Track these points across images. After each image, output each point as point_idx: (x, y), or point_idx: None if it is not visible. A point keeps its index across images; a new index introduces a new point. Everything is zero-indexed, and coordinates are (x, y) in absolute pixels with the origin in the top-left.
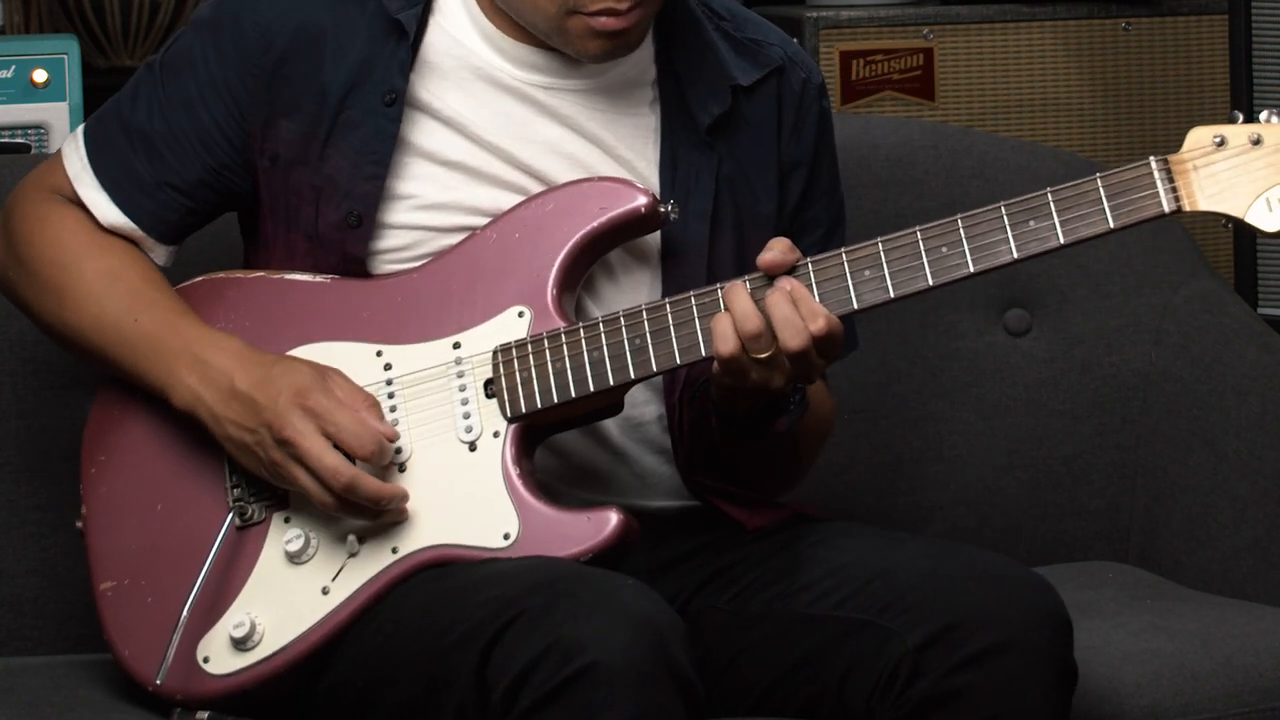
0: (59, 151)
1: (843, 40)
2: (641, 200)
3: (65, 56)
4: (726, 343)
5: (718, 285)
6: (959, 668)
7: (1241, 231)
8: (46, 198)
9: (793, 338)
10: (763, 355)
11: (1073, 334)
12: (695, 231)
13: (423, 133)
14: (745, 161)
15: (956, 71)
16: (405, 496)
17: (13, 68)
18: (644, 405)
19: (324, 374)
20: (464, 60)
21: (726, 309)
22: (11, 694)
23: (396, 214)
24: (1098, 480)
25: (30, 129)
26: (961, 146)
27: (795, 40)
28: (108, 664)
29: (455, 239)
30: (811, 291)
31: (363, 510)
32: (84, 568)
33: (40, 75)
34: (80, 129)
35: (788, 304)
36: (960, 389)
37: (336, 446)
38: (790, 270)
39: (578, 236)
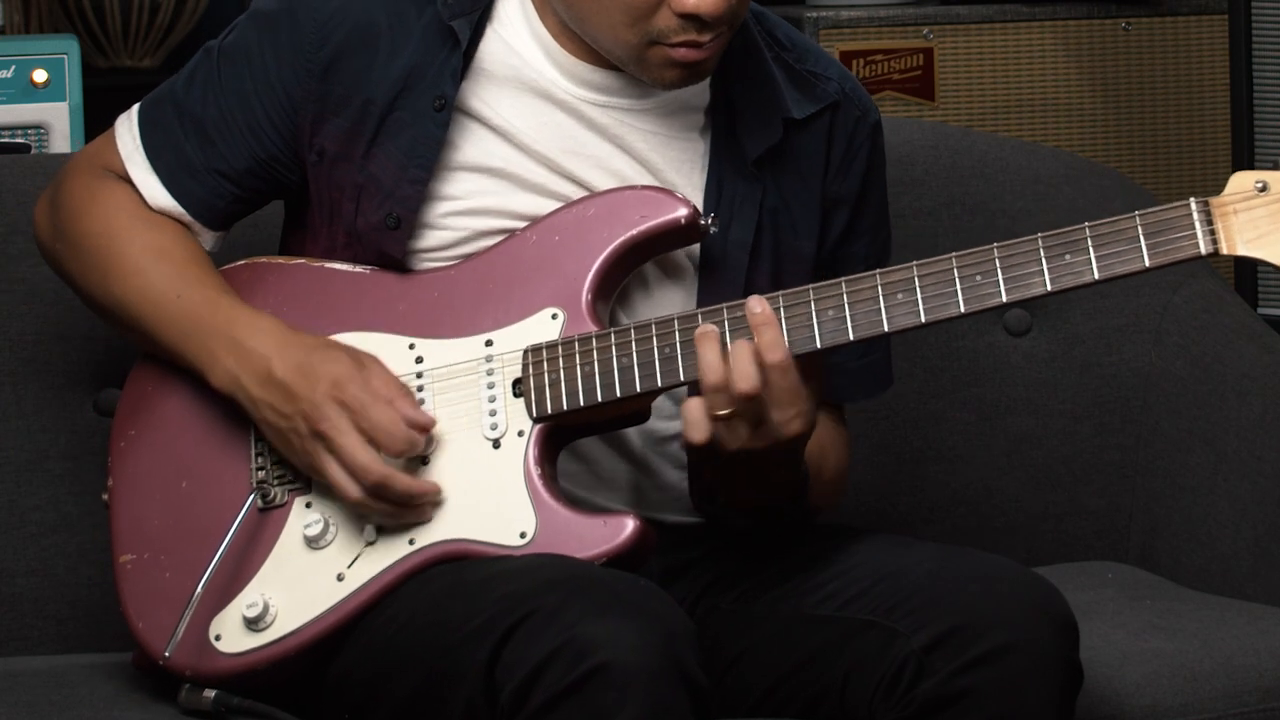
0: (112, 128)
1: (843, 40)
2: (682, 211)
3: (65, 56)
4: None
5: (744, 300)
6: (965, 669)
7: None
8: (98, 174)
9: (741, 380)
10: (721, 412)
11: (1073, 334)
12: (734, 260)
13: (470, 139)
14: (789, 196)
15: (956, 71)
16: (437, 493)
17: (13, 68)
18: (667, 420)
19: (361, 363)
20: (518, 71)
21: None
22: (11, 694)
23: (438, 215)
24: (1098, 480)
25: (30, 129)
26: (961, 146)
27: (854, 75)
28: (108, 664)
29: (495, 240)
30: (844, 313)
31: (390, 506)
32: (86, 564)
33: (40, 75)
34: (136, 107)
35: (745, 346)
36: (960, 389)
37: (370, 442)
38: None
39: (617, 243)
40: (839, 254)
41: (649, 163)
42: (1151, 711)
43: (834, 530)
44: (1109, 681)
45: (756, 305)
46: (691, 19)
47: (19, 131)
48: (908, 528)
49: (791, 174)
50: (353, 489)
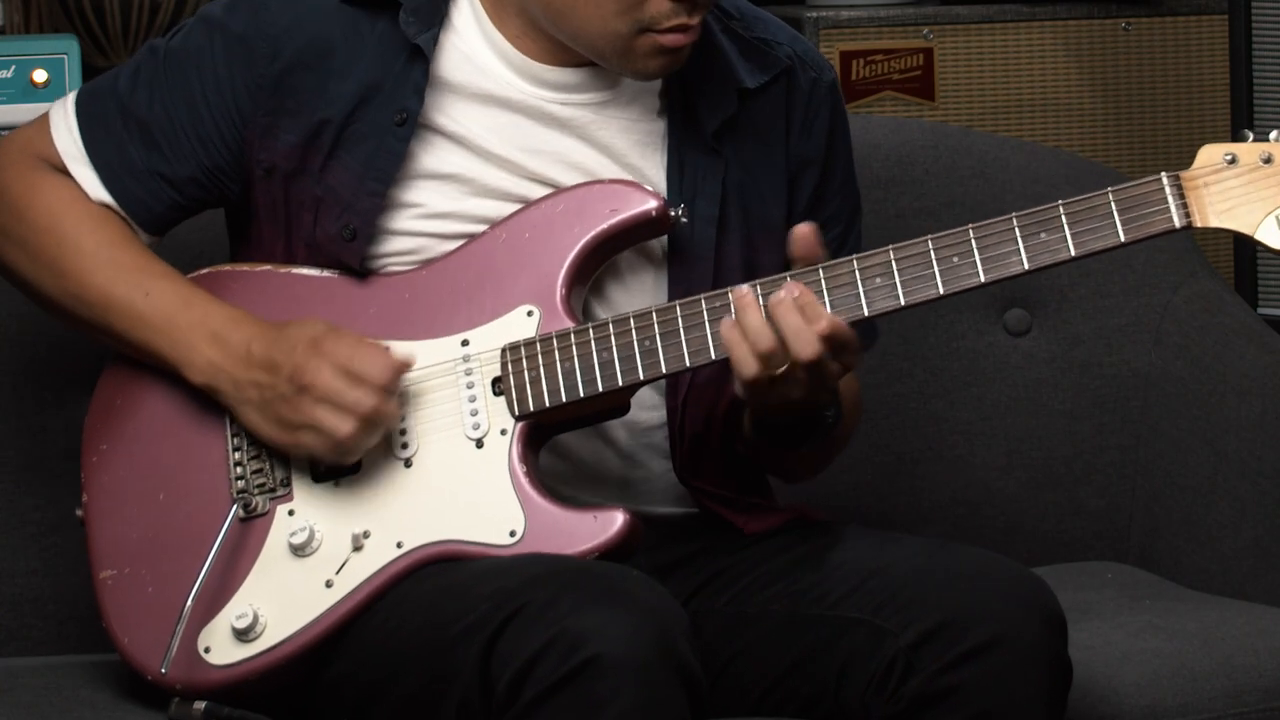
0: (44, 119)
1: (843, 40)
2: (652, 203)
3: (65, 56)
4: (748, 367)
5: (728, 289)
6: (952, 665)
7: None
8: (34, 165)
9: (804, 348)
10: (778, 371)
11: (1073, 334)
12: (701, 235)
13: (431, 150)
14: (753, 165)
15: (956, 71)
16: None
17: (13, 68)
18: (650, 410)
19: (332, 325)
20: (477, 80)
21: (737, 324)
22: (11, 694)
23: (400, 221)
24: (1098, 480)
25: None
26: (961, 146)
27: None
28: (108, 664)
29: (456, 245)
30: (823, 298)
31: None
32: (84, 562)
33: (40, 75)
34: (70, 101)
35: (795, 314)
36: (960, 389)
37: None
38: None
39: (588, 237)
40: (815, 217)
41: (610, 149)
42: (1151, 711)
43: (824, 529)
44: (1108, 681)
45: (795, 289)
46: (683, 1)
47: None
48: (908, 528)
49: (753, 143)
50: (345, 424)
